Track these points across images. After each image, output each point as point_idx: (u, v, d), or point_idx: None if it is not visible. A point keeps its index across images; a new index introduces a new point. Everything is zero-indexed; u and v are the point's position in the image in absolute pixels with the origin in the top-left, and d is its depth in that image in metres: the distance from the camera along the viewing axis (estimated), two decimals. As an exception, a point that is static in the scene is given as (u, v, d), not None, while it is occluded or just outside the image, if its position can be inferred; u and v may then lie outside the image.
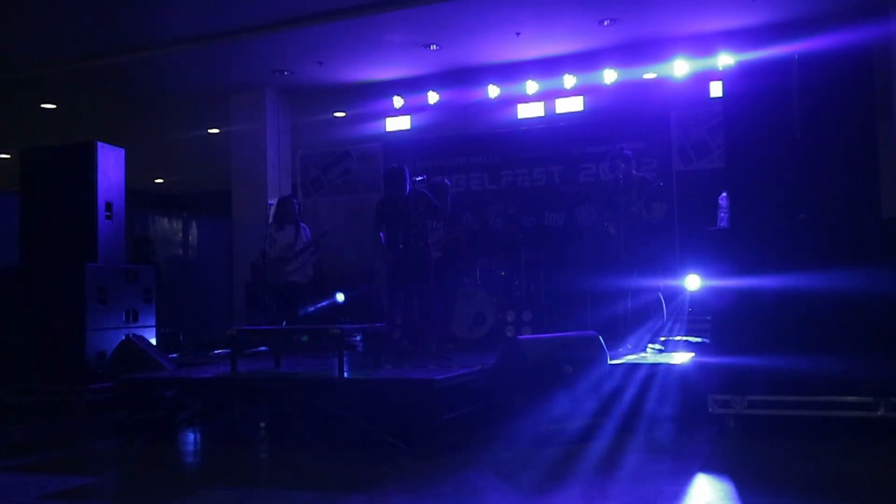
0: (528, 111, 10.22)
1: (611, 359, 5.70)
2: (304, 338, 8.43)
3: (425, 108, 10.61)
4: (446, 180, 8.40)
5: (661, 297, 7.09)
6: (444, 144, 10.64)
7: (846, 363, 5.01)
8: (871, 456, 4.72)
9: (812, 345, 5.12)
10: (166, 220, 12.96)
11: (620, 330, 6.97)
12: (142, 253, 9.61)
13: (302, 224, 8.69)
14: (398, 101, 10.78)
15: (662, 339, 7.01)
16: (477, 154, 10.40)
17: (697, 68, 9.31)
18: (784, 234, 5.36)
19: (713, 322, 5.54)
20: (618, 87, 9.72)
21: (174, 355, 7.89)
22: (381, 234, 7.04)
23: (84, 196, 7.44)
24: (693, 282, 7.52)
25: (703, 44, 9.25)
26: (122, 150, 7.88)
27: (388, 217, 6.98)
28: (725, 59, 8.54)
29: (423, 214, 6.97)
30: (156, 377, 6.20)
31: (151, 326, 7.84)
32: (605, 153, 8.44)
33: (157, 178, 18.38)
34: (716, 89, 9.09)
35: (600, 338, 5.59)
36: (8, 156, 15.00)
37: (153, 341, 7.49)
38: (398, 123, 10.86)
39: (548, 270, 8.93)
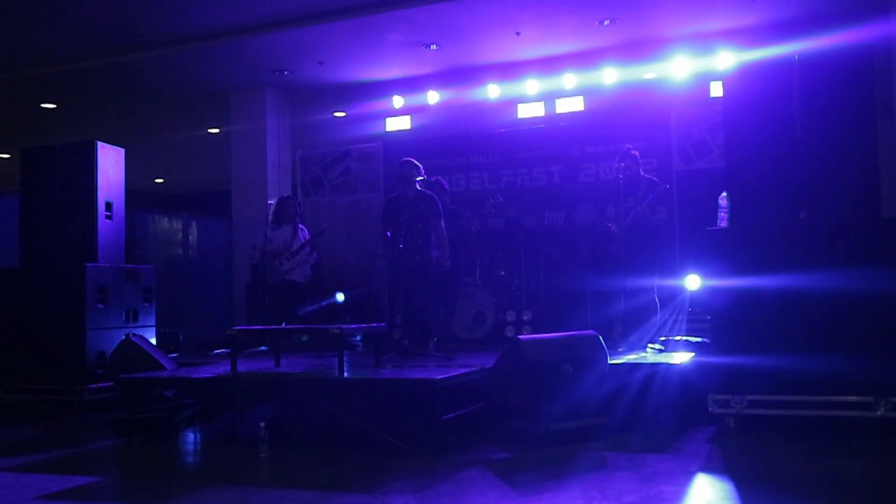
0: (528, 111, 10.22)
1: (611, 359, 5.69)
2: (304, 338, 8.45)
3: (425, 108, 10.61)
4: (442, 180, 8.40)
5: (657, 298, 7.08)
6: (444, 144, 10.63)
7: (846, 363, 5.00)
8: (871, 456, 4.71)
9: (812, 344, 5.13)
10: (166, 220, 12.96)
11: (620, 330, 6.96)
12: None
13: (301, 225, 8.70)
14: (398, 101, 10.77)
15: (662, 338, 7.01)
16: (477, 154, 10.40)
17: (697, 68, 9.32)
18: (784, 234, 5.36)
19: (713, 322, 5.54)
20: (618, 86, 9.72)
21: (174, 355, 7.89)
22: (388, 233, 7.07)
23: (84, 196, 7.45)
24: (693, 282, 7.52)
25: (703, 44, 9.26)
26: (122, 150, 7.88)
27: (392, 216, 7.03)
28: (725, 59, 8.54)
29: (422, 214, 6.98)
30: (156, 377, 6.19)
31: (151, 326, 7.85)
32: (609, 152, 8.44)
33: (157, 178, 18.38)
34: (716, 89, 9.10)
35: (600, 338, 5.58)
36: (8, 156, 15.00)
37: (153, 341, 7.49)
38: (398, 123, 10.86)
39: (548, 270, 8.93)
